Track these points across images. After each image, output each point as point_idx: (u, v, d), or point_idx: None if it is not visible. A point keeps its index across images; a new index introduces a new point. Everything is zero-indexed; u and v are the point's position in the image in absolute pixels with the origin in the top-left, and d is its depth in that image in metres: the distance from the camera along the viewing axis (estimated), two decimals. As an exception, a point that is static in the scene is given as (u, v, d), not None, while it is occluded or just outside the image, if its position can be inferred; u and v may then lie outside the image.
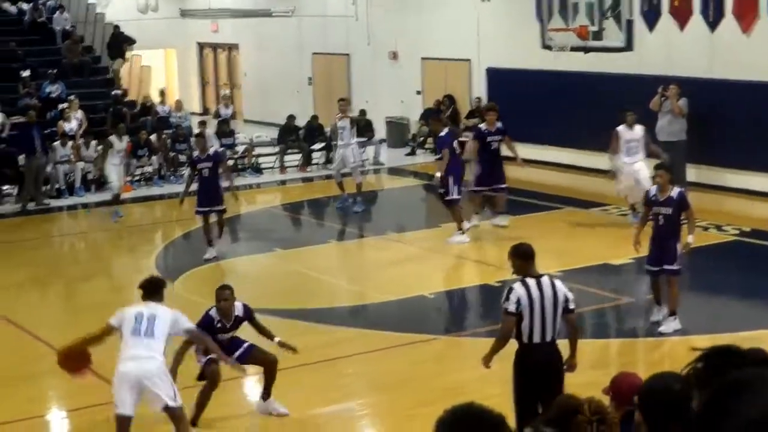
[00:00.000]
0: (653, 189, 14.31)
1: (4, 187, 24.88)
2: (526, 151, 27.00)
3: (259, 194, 26.18)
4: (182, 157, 27.13)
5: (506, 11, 28.25)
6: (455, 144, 19.94)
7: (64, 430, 12.07)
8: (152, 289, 10.54)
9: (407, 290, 16.72)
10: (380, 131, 30.43)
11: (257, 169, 27.86)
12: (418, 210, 23.15)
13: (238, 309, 11.58)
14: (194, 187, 19.07)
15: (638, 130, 19.66)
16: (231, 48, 40.64)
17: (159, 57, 41.79)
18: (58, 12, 34.53)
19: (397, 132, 31.23)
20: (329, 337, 14.54)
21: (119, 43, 34.37)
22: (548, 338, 9.45)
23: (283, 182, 27.45)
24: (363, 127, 29.11)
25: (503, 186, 20.15)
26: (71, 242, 22.29)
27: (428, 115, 30.19)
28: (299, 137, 28.54)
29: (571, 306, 9.57)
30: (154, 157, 26.69)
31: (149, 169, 26.66)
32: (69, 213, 24.15)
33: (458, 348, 14.22)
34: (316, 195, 24.99)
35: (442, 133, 20.29)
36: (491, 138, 20.04)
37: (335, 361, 13.53)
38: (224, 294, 11.50)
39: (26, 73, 30.65)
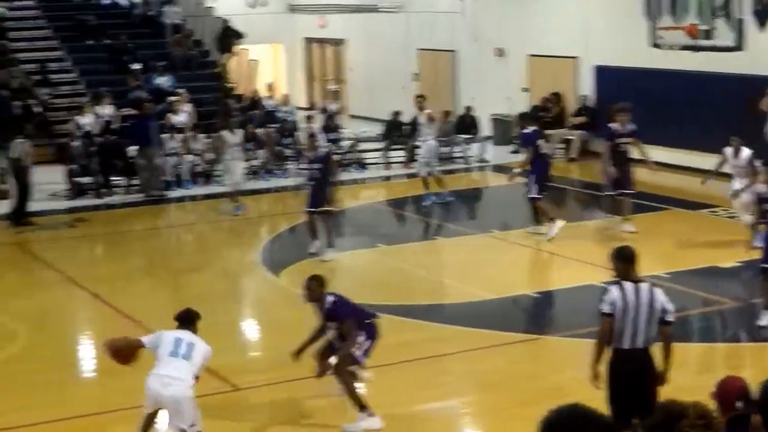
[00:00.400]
0: (763, 187, 14.20)
1: (113, 179, 25.26)
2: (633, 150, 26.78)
3: (363, 189, 26.26)
4: (288, 151, 27.32)
5: (615, 8, 27.99)
6: (540, 142, 19.88)
7: (165, 419, 12.20)
8: (188, 320, 10.69)
9: (511, 288, 16.67)
10: (485, 128, 30.32)
11: (362, 165, 27.93)
12: (523, 208, 22.95)
13: (328, 303, 11.45)
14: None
15: (744, 155, 18.71)
16: (338, 43, 40.81)
17: (267, 52, 42.12)
18: (167, 6, 35.00)
19: (503, 129, 31.08)
20: (430, 334, 14.55)
21: (228, 37, 34.73)
22: (639, 344, 9.24)
23: (387, 178, 27.47)
24: (468, 124, 29.08)
25: (630, 192, 19.70)
26: (178, 234, 22.58)
27: (534, 113, 30.06)
28: (404, 133, 28.56)
29: (669, 318, 9.31)
30: (260, 151, 26.92)
31: (256, 162, 26.88)
32: (177, 205, 24.45)
33: (559, 348, 14.12)
34: (420, 191, 24.93)
35: (527, 130, 20.23)
36: (621, 139, 19.67)
37: (436, 359, 13.52)
38: (306, 284, 11.53)
39: (136, 66, 31.12)
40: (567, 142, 28.89)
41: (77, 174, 24.74)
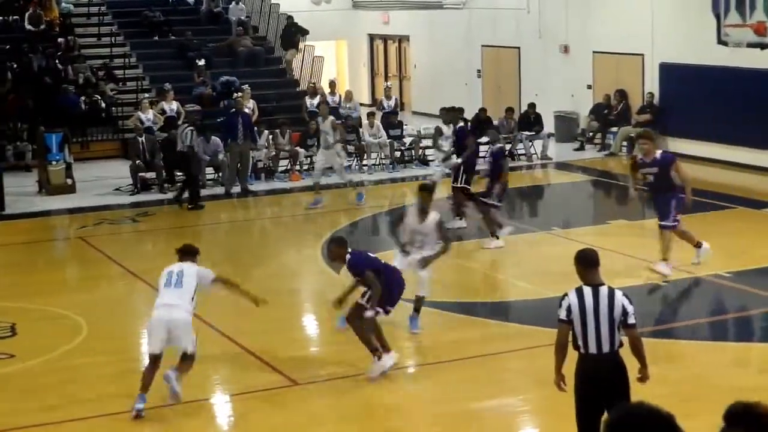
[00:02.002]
0: None
1: (177, 174, 25.41)
2: (698, 148, 26.54)
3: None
4: (351, 147, 27.32)
5: (681, 5, 27.75)
6: (470, 139, 20.89)
7: (226, 414, 12.28)
8: (185, 253, 12.20)
9: (572, 286, 16.51)
10: (548, 125, 30.16)
11: (424, 161, 27.88)
12: (586, 206, 22.87)
13: (347, 260, 12.49)
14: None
15: None
16: (401, 40, 40.81)
17: (330, 48, 42.23)
18: (233, 2, 35.21)
19: (566, 126, 30.92)
20: (491, 332, 14.51)
21: (292, 33, 34.87)
22: (605, 349, 8.99)
23: (449, 175, 27.34)
24: (531, 121, 28.94)
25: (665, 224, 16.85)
26: (240, 229, 22.63)
27: (598, 110, 29.87)
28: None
29: (630, 320, 9.00)
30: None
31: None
32: (238, 200, 24.50)
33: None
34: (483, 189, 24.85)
35: (461, 125, 21.46)
36: (644, 170, 16.91)
37: (496, 356, 13.46)
38: (327, 246, 13.51)
39: (201, 63, 31.35)
40: (631, 139, 28.67)
41: (141, 169, 24.94)
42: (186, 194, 23.38)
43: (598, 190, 24.92)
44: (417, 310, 14.35)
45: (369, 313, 12.37)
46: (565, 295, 9.23)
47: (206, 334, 14.49)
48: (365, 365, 12.64)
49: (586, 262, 9.30)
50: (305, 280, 18.36)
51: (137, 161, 24.83)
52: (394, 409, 11.95)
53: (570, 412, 10.22)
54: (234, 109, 25.66)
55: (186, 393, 11.88)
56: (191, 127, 23.43)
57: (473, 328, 14.64)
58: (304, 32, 35.27)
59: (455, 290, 16.76)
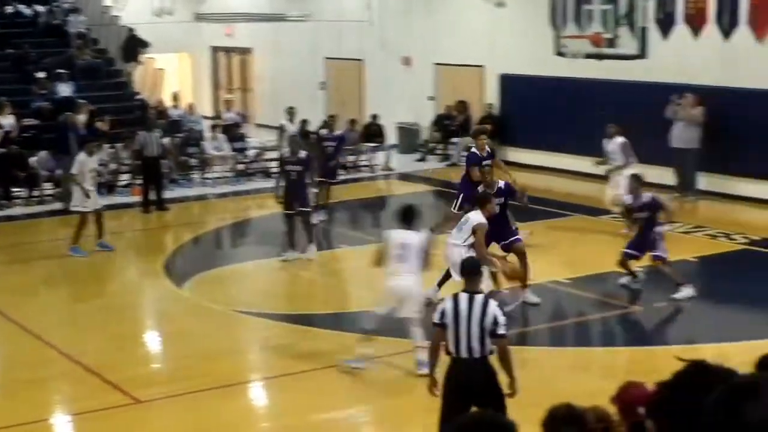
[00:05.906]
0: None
1: (15, 190, 24.80)
2: (537, 157, 27.01)
3: (269, 199, 26.09)
4: (193, 161, 27.05)
5: (520, 17, 28.20)
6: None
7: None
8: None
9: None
10: (391, 137, 30.36)
11: (268, 174, 27.74)
12: (428, 215, 22.98)
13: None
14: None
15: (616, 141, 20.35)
16: (245, 52, 40.63)
17: (173, 61, 41.83)
18: (72, 14, 34.58)
19: (408, 138, 31.16)
20: (335, 343, 14.47)
21: (134, 46, 34.42)
22: (476, 354, 9.28)
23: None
24: (374, 132, 29.08)
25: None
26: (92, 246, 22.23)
27: (439, 121, 30.20)
28: (311, 142, 28.46)
29: (500, 331, 9.31)
30: (165, 161, 26.60)
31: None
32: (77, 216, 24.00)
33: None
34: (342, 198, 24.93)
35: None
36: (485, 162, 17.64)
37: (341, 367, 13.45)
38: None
39: (41, 75, 30.70)
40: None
41: (-23, 185, 24.30)
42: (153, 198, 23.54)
43: (439, 200, 25.15)
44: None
45: None
46: (443, 299, 9.54)
47: (46, 353, 14.17)
48: (209, 380, 12.53)
49: (465, 271, 9.62)
50: (147, 295, 18.06)
51: (-27, 177, 24.18)
52: (237, 424, 11.83)
53: (415, 421, 10.31)
54: (66, 124, 25.13)
55: (25, 414, 11.61)
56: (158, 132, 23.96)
57: (318, 339, 14.62)
58: (145, 45, 34.84)
59: (299, 301, 16.72)
